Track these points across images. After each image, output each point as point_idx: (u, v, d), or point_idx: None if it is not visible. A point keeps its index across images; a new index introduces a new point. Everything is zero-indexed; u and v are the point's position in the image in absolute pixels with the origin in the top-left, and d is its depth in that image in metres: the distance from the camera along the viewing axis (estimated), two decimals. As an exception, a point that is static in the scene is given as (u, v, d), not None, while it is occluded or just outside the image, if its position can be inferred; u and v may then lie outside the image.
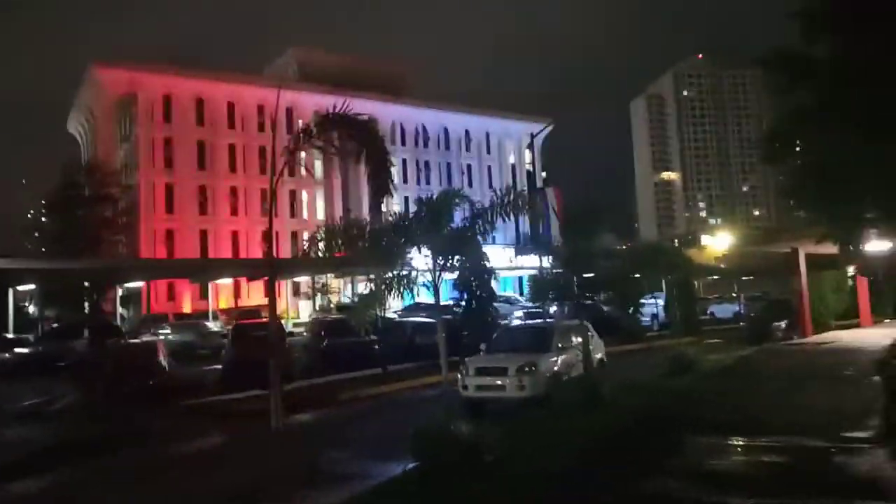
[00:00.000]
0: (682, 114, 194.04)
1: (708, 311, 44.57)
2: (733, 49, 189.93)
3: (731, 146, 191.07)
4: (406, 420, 11.55)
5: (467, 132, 72.81)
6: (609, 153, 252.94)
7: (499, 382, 13.37)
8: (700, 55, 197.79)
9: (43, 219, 55.53)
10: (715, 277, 59.63)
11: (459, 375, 13.98)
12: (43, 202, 53.26)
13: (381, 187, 14.04)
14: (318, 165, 65.12)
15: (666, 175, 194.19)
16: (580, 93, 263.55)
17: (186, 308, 52.69)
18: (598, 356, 16.16)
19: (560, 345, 14.49)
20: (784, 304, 30.63)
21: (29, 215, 70.93)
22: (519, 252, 60.94)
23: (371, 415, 15.69)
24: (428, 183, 70.14)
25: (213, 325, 41.58)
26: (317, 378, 20.48)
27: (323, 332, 23.21)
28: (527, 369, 13.28)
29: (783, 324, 27.02)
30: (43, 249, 50.07)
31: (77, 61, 57.48)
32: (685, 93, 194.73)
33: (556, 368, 13.74)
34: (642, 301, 33.49)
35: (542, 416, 11.43)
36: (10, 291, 30.11)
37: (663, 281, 32.71)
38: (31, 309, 40.28)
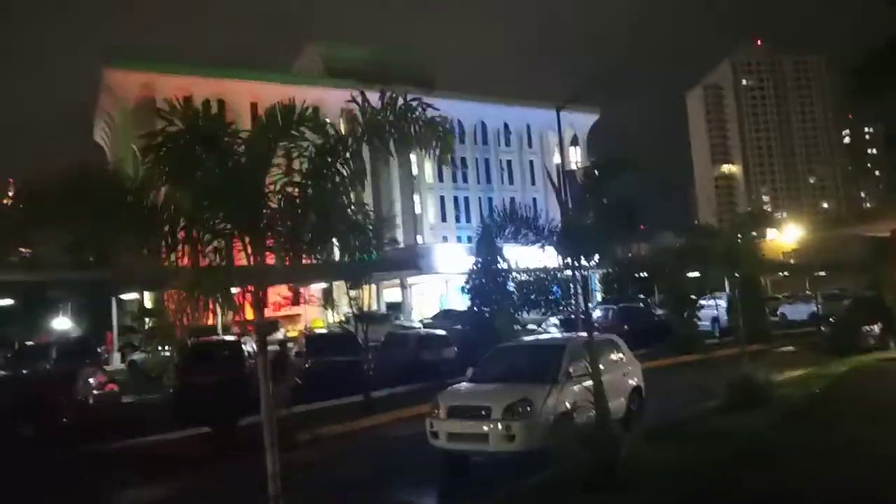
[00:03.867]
0: (742, 103, 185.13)
1: (778, 312, 39.20)
2: (795, 34, 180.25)
3: (796, 136, 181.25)
4: (354, 482, 9.15)
5: (506, 125, 68.41)
6: (664, 147, 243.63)
7: (479, 430, 9.23)
8: (759, 42, 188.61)
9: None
10: (783, 274, 53.76)
11: (427, 419, 9.90)
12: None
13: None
14: (348, 165, 61.93)
15: (726, 168, 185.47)
16: (631, 85, 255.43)
17: (209, 321, 49.94)
18: (633, 383, 11.79)
19: (572, 371, 10.20)
20: (873, 303, 25.33)
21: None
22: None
23: (315, 469, 11.79)
24: (465, 181, 66.17)
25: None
26: (292, 407, 16.74)
27: (306, 350, 19.44)
28: (519, 410, 9.11)
29: (875, 328, 21.88)
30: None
31: (94, 67, 54.83)
32: (744, 81, 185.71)
33: (564, 408, 9.49)
34: (701, 303, 28.80)
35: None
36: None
37: (726, 280, 27.91)
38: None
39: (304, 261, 5.99)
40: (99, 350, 32.78)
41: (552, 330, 28.69)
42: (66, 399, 13.70)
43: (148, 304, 55.67)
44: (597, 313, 35.17)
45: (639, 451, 7.62)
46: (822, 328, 25.02)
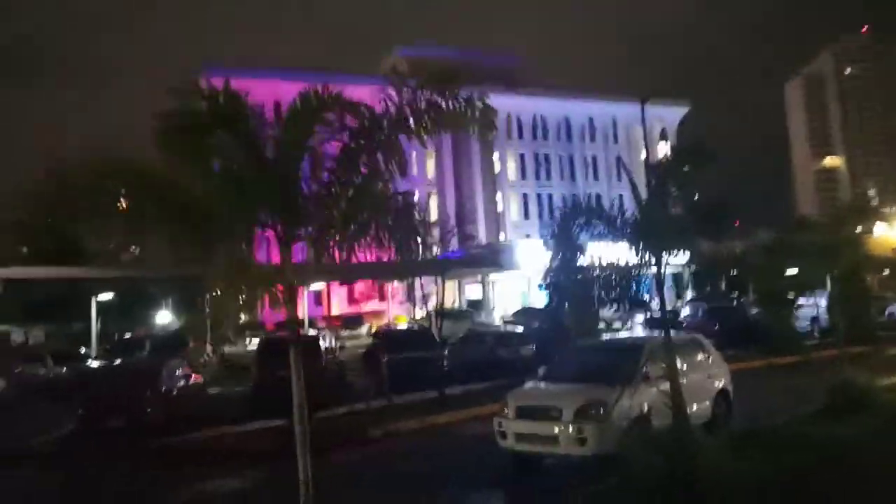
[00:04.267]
0: (845, 94, 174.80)
1: (886, 313, 36.46)
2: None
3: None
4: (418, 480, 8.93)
5: (591, 120, 66.94)
6: (762, 141, 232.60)
7: (549, 431, 8.81)
8: (864, 29, 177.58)
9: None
10: (890, 271, 50.11)
11: (495, 419, 9.56)
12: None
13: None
14: (430, 164, 62.17)
15: (828, 161, 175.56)
16: (726, 78, 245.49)
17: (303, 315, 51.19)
18: (719, 385, 11.04)
19: (651, 373, 9.62)
20: None
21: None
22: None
23: (380, 464, 11.68)
24: (548, 178, 65.22)
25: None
26: (365, 403, 16.78)
27: (381, 347, 19.39)
28: (591, 412, 8.64)
29: None
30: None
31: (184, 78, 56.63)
32: (848, 71, 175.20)
33: (640, 411, 8.95)
34: (800, 302, 27.08)
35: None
36: (94, 302, 28.83)
37: (828, 277, 26.19)
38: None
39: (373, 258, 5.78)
40: (190, 343, 34.26)
41: (637, 329, 27.75)
42: (150, 391, 14.12)
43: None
44: (685, 311, 33.84)
45: (720, 460, 7.02)
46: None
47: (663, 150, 74.87)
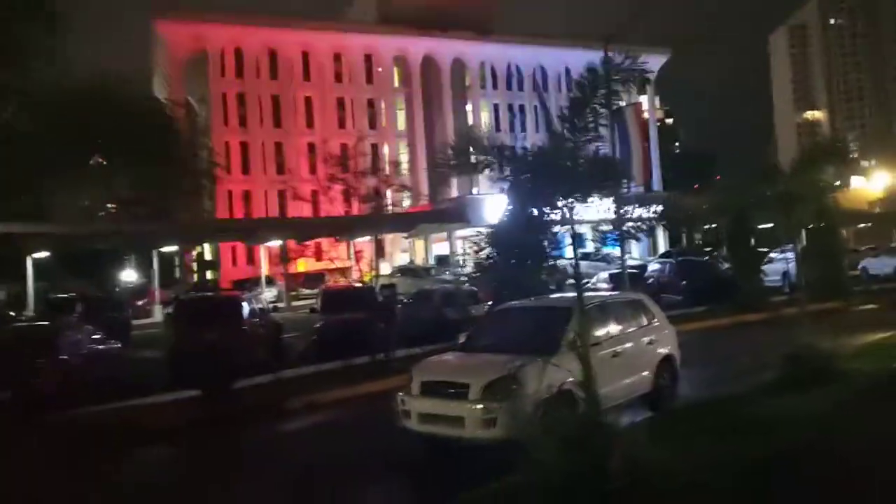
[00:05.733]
0: (830, 45, 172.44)
1: (859, 267, 35.59)
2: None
3: (888, 80, 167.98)
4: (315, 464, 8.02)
5: (567, 70, 64.73)
6: (745, 94, 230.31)
7: (454, 412, 7.49)
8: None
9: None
10: (866, 225, 49.41)
11: (398, 395, 8.23)
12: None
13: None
14: (401, 116, 60.07)
15: (810, 114, 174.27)
16: (710, 28, 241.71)
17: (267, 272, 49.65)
18: (663, 352, 9.74)
19: (581, 340, 8.27)
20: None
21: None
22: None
23: (280, 445, 10.39)
24: (523, 130, 63.35)
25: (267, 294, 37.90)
26: (299, 368, 15.46)
27: (320, 308, 18.07)
28: (502, 389, 7.31)
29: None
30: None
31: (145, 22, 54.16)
32: (833, 21, 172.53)
33: (564, 386, 7.61)
34: (771, 255, 25.95)
35: None
36: (29, 261, 27.13)
37: (802, 231, 24.98)
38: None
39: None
40: (138, 303, 32.76)
41: (601, 286, 26.48)
42: (45, 358, 12.65)
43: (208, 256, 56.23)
44: (653, 266, 32.67)
45: (643, 453, 5.71)
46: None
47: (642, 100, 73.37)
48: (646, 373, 9.27)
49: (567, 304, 9.02)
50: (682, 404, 9.15)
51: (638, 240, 7.41)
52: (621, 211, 6.59)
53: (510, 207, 10.44)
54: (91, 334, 15.28)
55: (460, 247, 45.83)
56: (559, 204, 6.31)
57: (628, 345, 9.06)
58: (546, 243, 9.23)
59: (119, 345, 16.01)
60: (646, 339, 9.50)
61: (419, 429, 7.85)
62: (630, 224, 6.57)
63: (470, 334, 9.41)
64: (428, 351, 15.79)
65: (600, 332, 8.73)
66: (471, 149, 6.54)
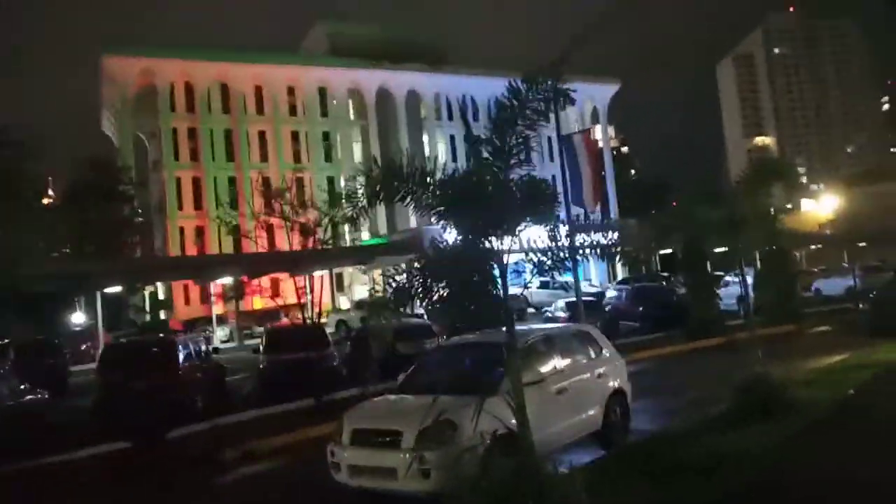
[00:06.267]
0: (775, 73, 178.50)
1: (812, 288, 36.12)
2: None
3: (832, 104, 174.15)
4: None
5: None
6: (696, 121, 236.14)
7: (386, 462, 6.92)
8: (792, 7, 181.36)
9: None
10: (817, 247, 50.36)
11: (328, 446, 7.63)
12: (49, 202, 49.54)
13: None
14: (357, 149, 59.64)
15: (759, 140, 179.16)
16: (659, 59, 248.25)
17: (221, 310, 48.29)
18: (613, 385, 9.31)
19: (527, 376, 7.79)
20: (919, 276, 22.37)
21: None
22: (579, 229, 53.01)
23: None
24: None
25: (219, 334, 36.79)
26: (238, 414, 14.64)
27: (263, 348, 17.30)
28: (437, 435, 6.77)
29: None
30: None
31: (90, 55, 53.00)
32: (777, 50, 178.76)
33: (503, 429, 7.09)
34: (726, 279, 25.97)
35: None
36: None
37: (756, 254, 25.07)
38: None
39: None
40: (81, 347, 31.30)
41: (559, 314, 26.20)
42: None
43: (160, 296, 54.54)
44: (610, 293, 32.60)
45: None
46: (861, 305, 22.09)
47: (594, 131, 74.11)
48: (595, 409, 8.81)
49: (505, 341, 8.55)
50: (630, 442, 8.70)
51: (564, 270, 7.02)
52: (556, 238, 6.11)
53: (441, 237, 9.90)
54: (14, 385, 14.24)
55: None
56: (489, 232, 5.86)
57: (575, 380, 8.61)
58: (490, 272, 8.77)
59: (47, 395, 14.92)
60: (594, 374, 9.07)
61: (351, 482, 7.24)
62: (561, 252, 6.07)
63: (409, 374, 8.84)
64: (374, 392, 15.22)
65: (544, 368, 8.28)
66: (387, 177, 6.08)
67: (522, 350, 8.12)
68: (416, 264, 6.65)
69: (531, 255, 6.12)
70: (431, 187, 5.93)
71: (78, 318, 41.61)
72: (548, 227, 6.41)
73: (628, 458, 7.26)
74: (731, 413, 8.68)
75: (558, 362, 8.58)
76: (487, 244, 6.47)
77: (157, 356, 13.90)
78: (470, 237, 6.49)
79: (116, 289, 34.66)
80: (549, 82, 5.83)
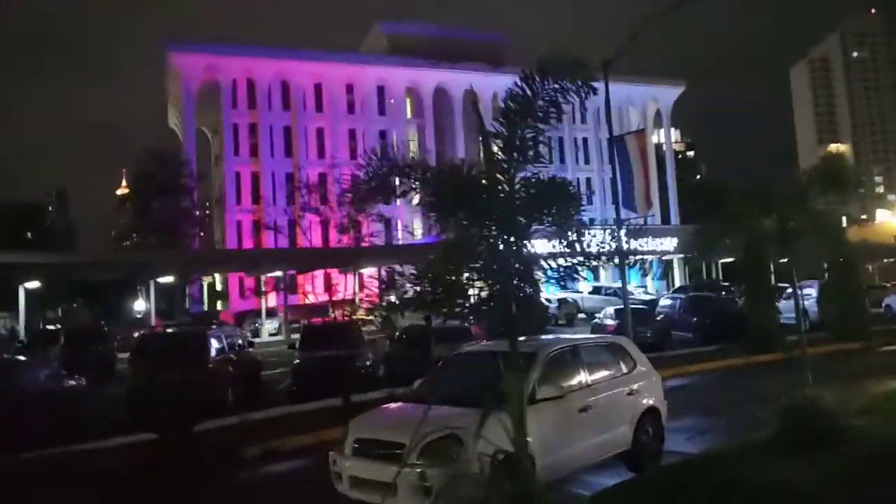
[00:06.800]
0: (852, 77, 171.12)
1: (883, 304, 33.92)
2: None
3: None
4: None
5: (581, 102, 63.96)
6: (768, 127, 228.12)
7: (385, 477, 6.45)
8: (873, 10, 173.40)
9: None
10: (891, 260, 47.62)
11: (331, 454, 7.24)
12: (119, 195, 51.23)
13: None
14: (413, 147, 59.61)
15: (834, 147, 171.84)
16: (733, 62, 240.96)
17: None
18: (646, 403, 8.63)
19: (546, 391, 7.24)
20: None
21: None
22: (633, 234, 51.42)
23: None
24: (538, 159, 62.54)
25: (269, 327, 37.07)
26: (268, 410, 14.44)
27: (299, 344, 17.11)
28: (441, 450, 6.29)
29: None
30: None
31: (160, 53, 54.46)
32: (855, 54, 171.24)
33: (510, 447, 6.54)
34: (788, 291, 24.61)
35: None
36: (21, 290, 26.58)
37: (825, 266, 23.65)
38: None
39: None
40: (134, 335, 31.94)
41: (607, 322, 25.26)
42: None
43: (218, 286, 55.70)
44: (664, 302, 31.33)
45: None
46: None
47: (657, 134, 72.08)
48: (624, 428, 8.16)
49: (531, 348, 7.99)
50: (659, 466, 8.02)
51: (578, 279, 6.46)
52: (576, 242, 5.54)
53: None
54: (53, 371, 14.42)
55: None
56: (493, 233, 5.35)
57: (603, 396, 7.97)
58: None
59: (83, 382, 15.07)
60: (625, 390, 8.41)
61: (350, 494, 6.82)
62: (578, 258, 5.50)
63: (422, 382, 8.37)
64: (401, 396, 14.81)
65: (568, 383, 7.68)
66: (386, 169, 5.62)
67: (544, 362, 7.58)
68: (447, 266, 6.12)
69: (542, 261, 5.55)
70: (429, 182, 5.43)
71: (139, 306, 42.75)
72: (572, 231, 5.85)
73: (649, 485, 6.61)
74: (776, 440, 7.88)
75: (585, 376, 7.96)
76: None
77: (188, 348, 13.83)
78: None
79: (172, 279, 35.34)
80: (567, 73, 5.23)
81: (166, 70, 55.04)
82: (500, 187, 5.35)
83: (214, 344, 14.27)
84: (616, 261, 6.54)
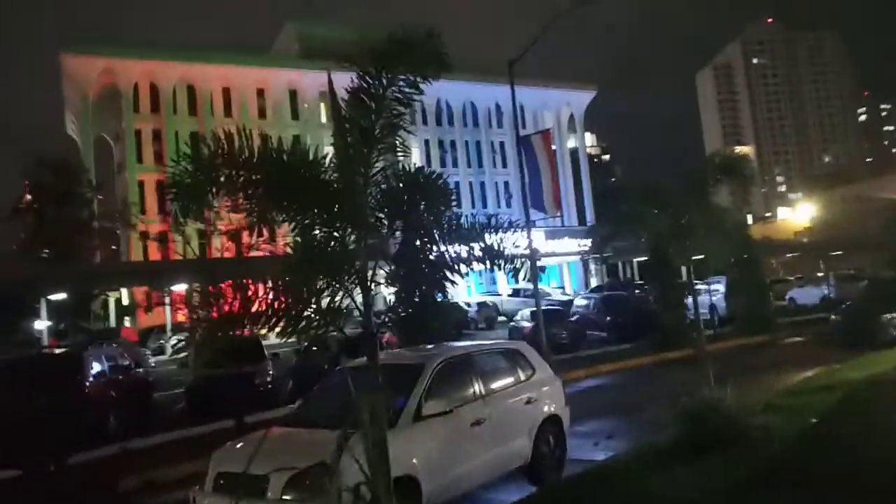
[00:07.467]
0: (753, 83, 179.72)
1: (787, 297, 35.29)
2: (807, 10, 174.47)
3: (810, 115, 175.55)
4: None
5: (498, 106, 64.39)
6: (675, 130, 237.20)
7: (249, 514, 5.69)
8: (770, 19, 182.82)
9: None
10: (793, 255, 49.75)
11: (190, 492, 6.42)
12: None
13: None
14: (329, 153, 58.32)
15: (738, 149, 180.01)
16: (641, 68, 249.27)
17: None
18: (545, 411, 8.13)
19: (434, 406, 6.62)
20: (893, 287, 21.46)
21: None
22: (556, 235, 52.45)
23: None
24: (455, 165, 62.43)
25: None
26: (149, 437, 13.24)
27: (194, 360, 15.99)
28: (310, 482, 5.57)
29: (897, 317, 18.04)
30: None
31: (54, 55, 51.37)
32: (755, 60, 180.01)
33: (405, 470, 5.91)
34: (697, 287, 24.97)
35: None
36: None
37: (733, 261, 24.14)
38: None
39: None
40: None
41: (524, 324, 25.02)
42: None
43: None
44: (579, 302, 31.52)
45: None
46: (833, 316, 21.20)
47: (572, 139, 73.31)
48: (522, 440, 7.64)
49: (419, 359, 7.37)
50: (560, 480, 7.55)
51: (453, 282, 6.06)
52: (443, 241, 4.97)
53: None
54: None
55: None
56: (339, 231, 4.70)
57: (498, 407, 7.43)
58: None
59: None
60: (523, 398, 7.89)
61: (212, 536, 6.01)
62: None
63: (300, 402, 7.64)
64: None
65: (458, 395, 7.10)
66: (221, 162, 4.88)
67: (432, 374, 6.97)
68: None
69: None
70: (256, 168, 4.71)
71: (41, 324, 39.84)
72: (443, 228, 5.27)
73: (546, 502, 6.09)
74: (677, 444, 7.54)
75: (478, 387, 7.40)
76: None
77: (61, 372, 12.54)
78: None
79: (66, 295, 33.07)
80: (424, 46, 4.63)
81: (62, 73, 51.88)
82: (354, 178, 4.69)
83: (95, 366, 13.01)
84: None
